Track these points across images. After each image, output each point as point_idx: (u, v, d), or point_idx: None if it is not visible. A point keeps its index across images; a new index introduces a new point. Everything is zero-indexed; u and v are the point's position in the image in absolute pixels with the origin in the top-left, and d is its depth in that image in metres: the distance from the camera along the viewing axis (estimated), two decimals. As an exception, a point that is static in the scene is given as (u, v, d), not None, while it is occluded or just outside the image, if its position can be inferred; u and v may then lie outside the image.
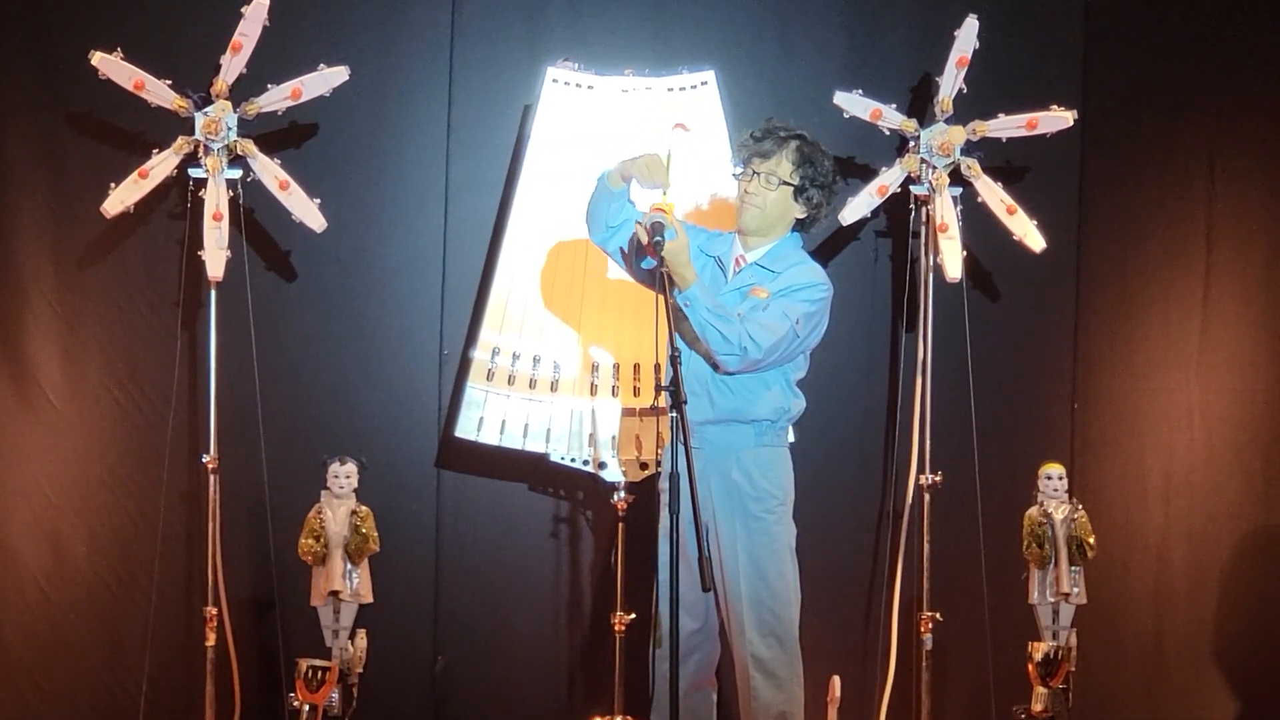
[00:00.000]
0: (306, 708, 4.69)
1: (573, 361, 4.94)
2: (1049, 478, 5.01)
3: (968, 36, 4.99)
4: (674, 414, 3.81)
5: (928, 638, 5.09)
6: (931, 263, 5.12)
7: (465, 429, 4.93)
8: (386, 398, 5.16)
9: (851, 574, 5.33)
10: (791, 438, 4.49)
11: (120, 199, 4.75)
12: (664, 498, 4.10)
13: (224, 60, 4.73)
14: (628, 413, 4.90)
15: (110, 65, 4.66)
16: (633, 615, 4.87)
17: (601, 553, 5.20)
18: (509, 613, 5.23)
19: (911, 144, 5.10)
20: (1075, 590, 4.97)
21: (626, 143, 4.67)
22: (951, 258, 5.05)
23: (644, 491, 4.88)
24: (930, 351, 5.14)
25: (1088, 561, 4.99)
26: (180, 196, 4.86)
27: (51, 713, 5.00)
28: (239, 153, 4.80)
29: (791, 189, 4.34)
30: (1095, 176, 5.44)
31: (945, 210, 5.06)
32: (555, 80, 4.99)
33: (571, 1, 5.21)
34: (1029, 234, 5.12)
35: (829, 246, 5.21)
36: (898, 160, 5.12)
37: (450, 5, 5.14)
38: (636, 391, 4.89)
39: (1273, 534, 5.45)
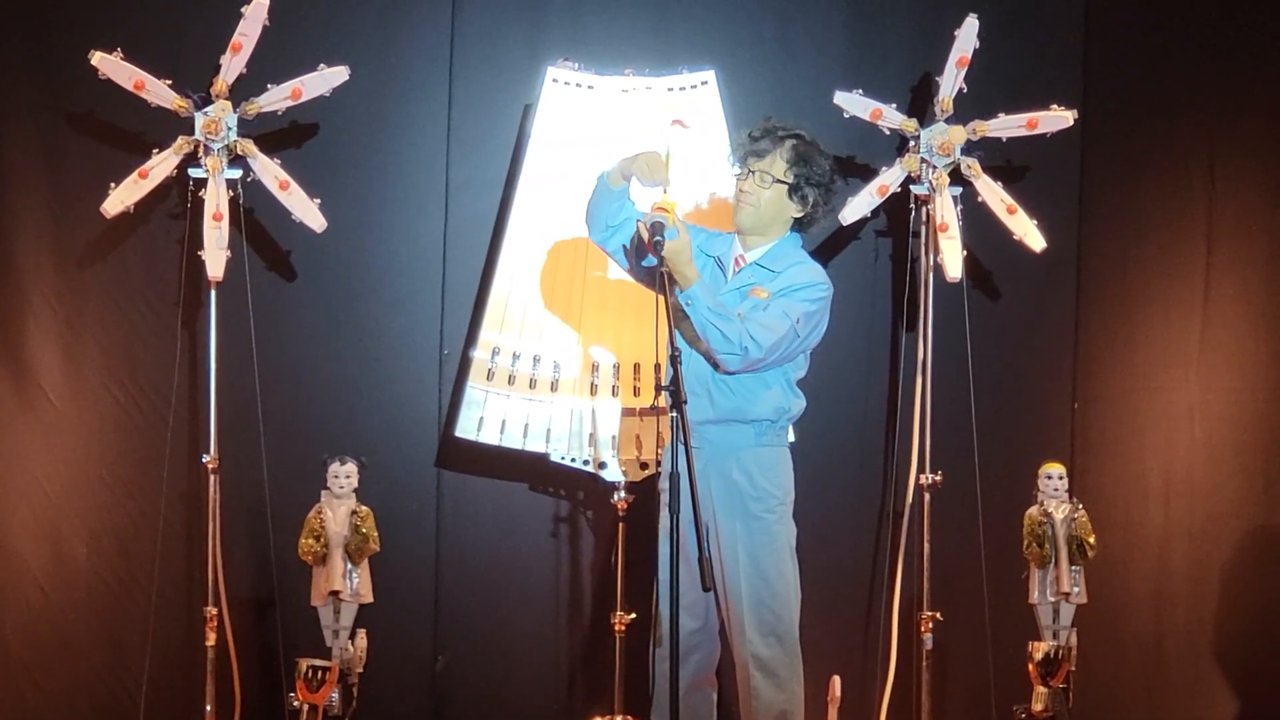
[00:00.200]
0: (306, 707, 4.69)
1: (573, 361, 4.94)
2: (1049, 477, 5.01)
3: (968, 36, 4.99)
4: (674, 414, 3.81)
5: (928, 637, 5.09)
6: (932, 262, 5.12)
7: (465, 429, 4.93)
8: (387, 397, 5.16)
9: (852, 574, 5.33)
10: (792, 437, 4.49)
11: (120, 199, 4.74)
12: (664, 497, 4.10)
13: (224, 60, 4.72)
14: (628, 412, 4.90)
15: (110, 65, 4.66)
16: (633, 615, 4.86)
17: (602, 552, 5.20)
18: (509, 612, 5.23)
19: (912, 143, 5.10)
20: (1075, 590, 4.96)
21: (627, 142, 4.66)
22: (952, 257, 5.04)
23: (644, 491, 4.88)
24: (930, 351, 5.14)
25: (1088, 561, 4.99)
26: (180, 196, 4.86)
27: (52, 712, 5.00)
28: (239, 153, 4.80)
29: (786, 187, 4.33)
30: (1095, 176, 5.44)
31: (945, 210, 5.06)
32: (555, 80, 4.99)
33: (571, 1, 5.21)
34: (1029, 233, 5.12)
35: (829, 246, 5.21)
36: (898, 160, 5.12)
37: (450, 5, 5.14)
38: (637, 391, 4.89)
39: (1273, 533, 5.45)
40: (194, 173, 4.79)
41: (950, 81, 5.03)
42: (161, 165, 4.77)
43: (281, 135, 4.98)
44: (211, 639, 4.82)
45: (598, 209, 4.41)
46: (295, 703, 4.70)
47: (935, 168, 5.09)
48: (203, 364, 4.86)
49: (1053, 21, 5.40)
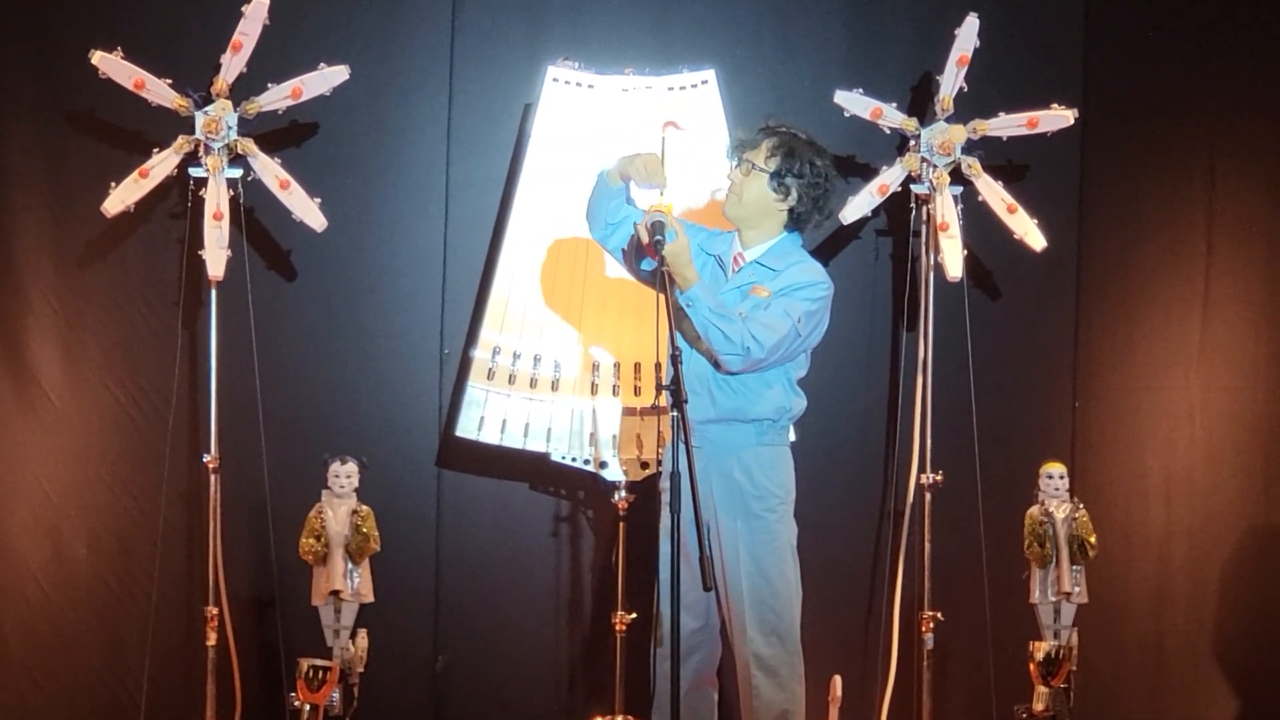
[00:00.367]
0: (307, 707, 4.68)
1: (573, 361, 4.94)
2: (1050, 477, 5.01)
3: (968, 35, 4.99)
4: (675, 413, 3.81)
5: (929, 637, 5.09)
6: (932, 261, 5.12)
7: (466, 428, 4.93)
8: (387, 397, 5.15)
9: (852, 573, 5.33)
10: (793, 437, 4.49)
11: (120, 198, 4.74)
12: (665, 497, 4.09)
13: (224, 59, 4.72)
14: (628, 412, 4.90)
15: (110, 64, 4.66)
16: (633, 615, 4.86)
17: (602, 552, 5.20)
18: (510, 612, 5.23)
19: (912, 143, 5.10)
20: (1076, 589, 4.96)
21: (627, 142, 4.67)
22: (952, 256, 5.04)
23: (645, 491, 4.88)
24: (931, 350, 5.14)
25: (1089, 560, 4.99)
26: (181, 196, 4.86)
27: (52, 712, 5.00)
28: (239, 152, 4.80)
29: (766, 175, 4.33)
30: (1096, 175, 5.44)
31: (946, 209, 5.06)
32: (556, 79, 4.99)
33: (572, 0, 5.21)
34: (1029, 233, 5.13)
35: (830, 245, 5.21)
36: (898, 159, 5.12)
37: (451, 4, 5.14)
38: (637, 391, 4.89)
39: (1273, 533, 5.45)
40: (194, 172, 4.79)
41: (951, 80, 5.03)
42: (162, 164, 4.76)
43: (282, 134, 4.98)
44: (212, 639, 4.82)
45: (597, 207, 4.41)
46: (296, 702, 4.70)
47: (936, 167, 5.09)
48: (203, 363, 4.86)
49: (1053, 20, 5.40)
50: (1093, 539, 4.97)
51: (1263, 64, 5.46)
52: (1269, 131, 5.46)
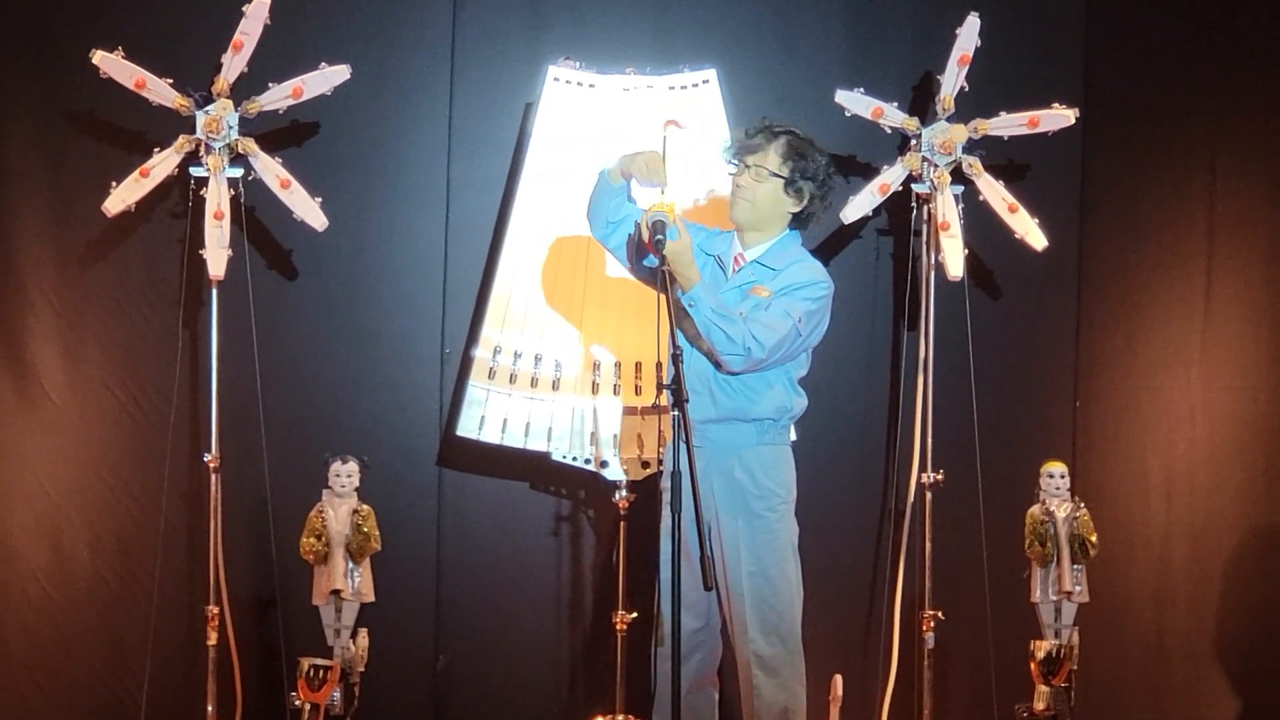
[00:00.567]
0: (308, 707, 4.69)
1: (574, 360, 4.94)
2: (1051, 476, 5.01)
3: (969, 34, 4.99)
4: (676, 412, 3.81)
5: (930, 636, 5.09)
6: (933, 261, 5.12)
7: (467, 428, 4.93)
8: (388, 396, 5.15)
9: (853, 572, 5.33)
10: (794, 436, 4.49)
11: (121, 198, 4.74)
12: (666, 496, 4.09)
13: (225, 59, 4.72)
14: (629, 411, 4.90)
15: (111, 64, 4.66)
16: (634, 614, 4.87)
17: (603, 552, 5.20)
18: (510, 611, 5.23)
19: (913, 142, 5.10)
20: (1077, 588, 4.96)
21: (628, 141, 4.66)
22: (953, 256, 5.04)
23: (645, 490, 4.88)
24: (932, 350, 5.14)
25: (1090, 560, 4.99)
26: (181, 195, 4.86)
27: (53, 712, 5.00)
28: (240, 151, 4.80)
29: (782, 181, 4.33)
30: (1097, 175, 5.44)
31: (947, 208, 5.06)
32: (557, 79, 4.99)
33: (573, 0, 5.21)
34: (1030, 232, 5.12)
35: (831, 245, 5.21)
36: (899, 158, 5.11)
37: (452, 4, 5.14)
38: (638, 390, 4.89)
39: (1274, 532, 5.45)
40: (195, 171, 4.79)
41: (952, 80, 5.03)
42: (163, 164, 4.76)
43: (283, 134, 4.97)
44: (213, 638, 4.82)
45: (598, 205, 4.41)
46: (297, 702, 4.70)
47: (937, 166, 5.09)
48: (204, 363, 4.86)
49: (1054, 20, 5.40)
50: (1094, 538, 4.97)
51: (1264, 64, 5.46)
52: (1270, 131, 5.46)
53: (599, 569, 5.22)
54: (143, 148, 4.85)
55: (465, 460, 5.13)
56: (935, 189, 5.08)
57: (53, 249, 4.98)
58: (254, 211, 4.96)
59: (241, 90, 4.78)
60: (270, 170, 4.81)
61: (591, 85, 5.01)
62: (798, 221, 4.42)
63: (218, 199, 4.76)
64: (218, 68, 4.75)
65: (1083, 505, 5.01)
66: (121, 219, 4.84)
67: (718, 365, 4.26)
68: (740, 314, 4.22)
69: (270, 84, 4.79)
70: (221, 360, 4.82)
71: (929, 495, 5.11)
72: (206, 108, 4.77)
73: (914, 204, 5.14)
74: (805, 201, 4.37)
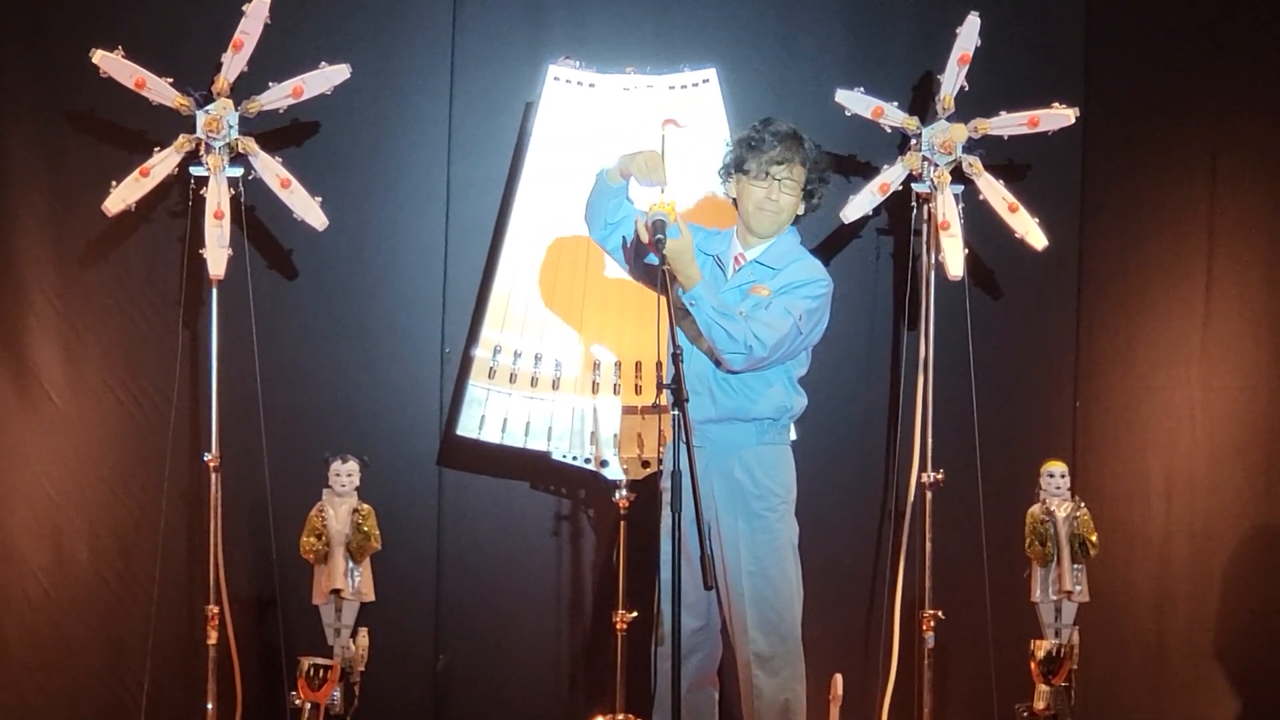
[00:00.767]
0: (308, 706, 4.68)
1: (574, 359, 4.94)
2: (1051, 475, 5.01)
3: (969, 34, 4.99)
4: (676, 412, 3.81)
5: (930, 636, 5.09)
6: (933, 260, 5.12)
7: (467, 427, 4.93)
8: (388, 396, 5.15)
9: (853, 572, 5.33)
10: (794, 435, 4.49)
11: (121, 197, 4.74)
12: (666, 496, 4.09)
13: (225, 58, 4.72)
14: (628, 410, 4.90)
15: (111, 63, 4.66)
16: (634, 614, 4.86)
17: (603, 551, 5.20)
18: (511, 611, 5.23)
19: (913, 141, 5.10)
20: (1077, 588, 4.96)
21: (628, 141, 4.66)
22: (953, 255, 5.04)
23: (646, 490, 4.88)
24: (932, 349, 5.13)
25: (1090, 559, 4.98)
26: (181, 194, 4.86)
27: (53, 711, 5.00)
28: (240, 151, 4.80)
29: (805, 192, 4.35)
30: (1097, 174, 5.44)
31: (947, 208, 5.06)
32: (557, 78, 4.99)
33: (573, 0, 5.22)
34: (1031, 232, 5.12)
35: (831, 244, 5.21)
36: (899, 158, 5.11)
37: (452, 3, 5.15)
38: (638, 389, 4.89)
39: (1274, 532, 5.45)
40: (195, 171, 4.79)
41: (952, 79, 5.03)
42: (163, 163, 4.76)
43: (283, 133, 4.97)
44: (213, 637, 4.82)
45: (597, 206, 4.41)
46: (297, 701, 4.70)
47: (937, 166, 5.09)
48: (204, 362, 4.86)
49: (1054, 19, 5.40)
50: (1094, 538, 4.97)
51: (1264, 63, 5.46)
52: (1270, 131, 5.46)
53: (599, 568, 5.22)
54: (143, 147, 4.85)
55: (465, 460, 5.13)
56: (935, 188, 5.08)
57: (53, 248, 4.98)
58: (254, 211, 4.96)
59: (241, 90, 4.78)
60: (270, 170, 4.81)
61: (592, 85, 5.01)
62: (794, 219, 4.43)
63: (218, 198, 4.76)
64: (218, 67, 4.74)
65: (1083, 505, 5.01)
66: (121, 218, 4.84)
67: (719, 364, 4.26)
68: (741, 313, 4.22)
69: (270, 83, 4.79)
70: (221, 360, 4.82)
71: (929, 495, 5.11)
72: (206, 107, 4.77)
73: (914, 203, 5.14)
74: (811, 207, 4.40)
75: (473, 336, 5.03)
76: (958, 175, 5.11)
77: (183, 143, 4.76)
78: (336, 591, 4.75)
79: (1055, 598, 4.98)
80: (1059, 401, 5.46)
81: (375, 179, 5.14)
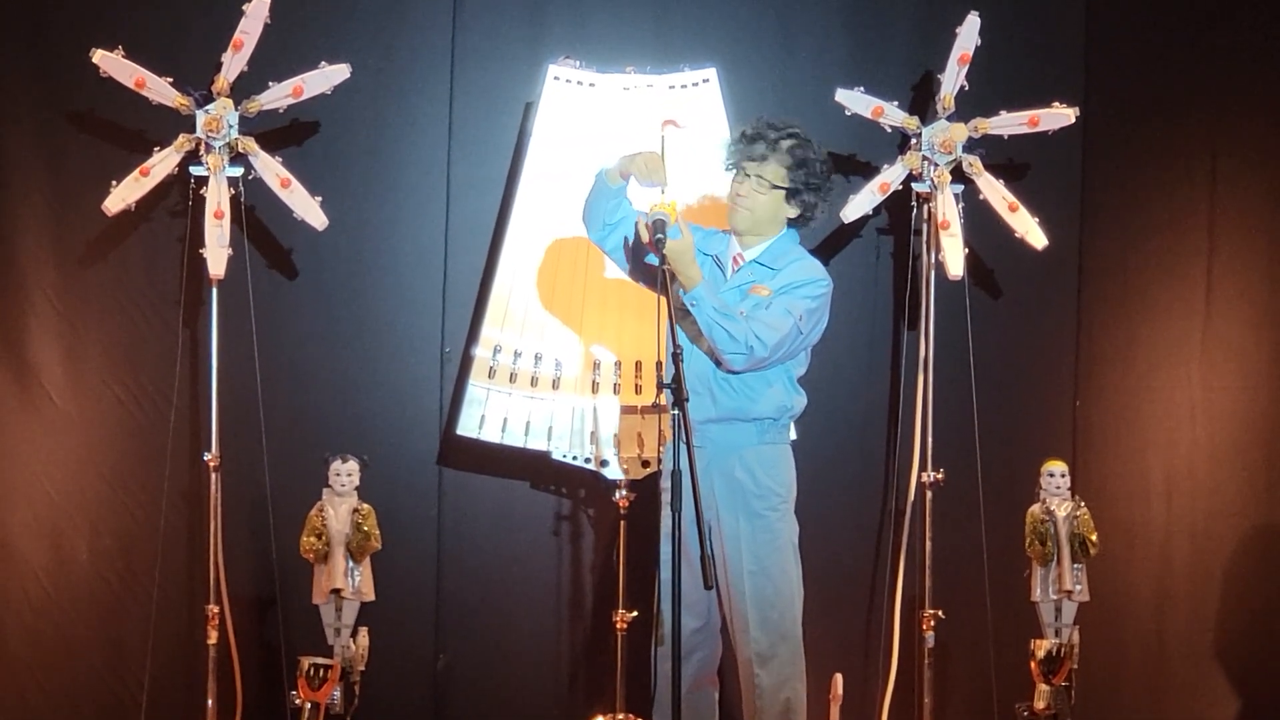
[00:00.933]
0: (308, 706, 4.68)
1: (574, 359, 4.94)
2: (1051, 475, 5.01)
3: (969, 33, 4.99)
4: (676, 411, 3.80)
5: (930, 635, 5.09)
6: (933, 260, 5.12)
7: (467, 427, 4.93)
8: (388, 395, 5.15)
9: (853, 572, 5.33)
10: (794, 435, 4.49)
11: (121, 197, 4.74)
12: (666, 496, 4.10)
13: (225, 58, 4.72)
14: (627, 410, 4.89)
15: (111, 63, 4.66)
16: (634, 613, 4.86)
17: (603, 551, 5.20)
18: (511, 611, 5.23)
19: (913, 141, 5.10)
20: (1078, 588, 4.96)
21: (628, 140, 4.66)
22: (953, 255, 5.04)
23: (646, 489, 4.87)
24: (932, 349, 5.14)
25: (1090, 559, 4.98)
26: (181, 194, 4.86)
27: (53, 711, 5.00)
28: (240, 150, 4.80)
29: (783, 192, 4.33)
30: (1097, 174, 5.44)
31: (947, 207, 5.06)
32: (557, 78, 4.99)
33: (573, -1, 5.23)
34: (1031, 231, 5.12)
35: (831, 244, 5.21)
36: (899, 157, 5.12)
37: (452, 3, 5.14)
38: (638, 389, 4.89)
39: (1275, 532, 5.44)
40: (195, 170, 4.79)
41: (952, 79, 5.03)
42: (163, 163, 4.76)
43: (283, 133, 4.97)
44: (213, 637, 4.82)
45: (596, 206, 4.41)
46: (297, 701, 4.70)
47: (937, 165, 5.09)
48: (204, 362, 4.85)
49: (1054, 19, 5.40)
50: (1094, 537, 4.97)
51: (1264, 63, 5.45)
52: (1271, 130, 5.46)
53: (599, 568, 5.22)
54: (143, 147, 4.85)
55: (465, 459, 5.13)
56: (935, 188, 5.08)
57: (53, 248, 4.98)
58: (254, 211, 4.96)
59: (241, 89, 4.78)
60: (270, 169, 4.81)
61: (592, 84, 5.01)
62: (796, 221, 4.42)
63: (218, 198, 4.76)
64: (218, 67, 4.74)
65: (1083, 504, 5.01)
66: (121, 218, 4.84)
67: (719, 364, 4.26)
68: (741, 313, 4.22)
69: (270, 83, 4.79)
70: (221, 359, 4.82)
71: (929, 494, 5.11)
72: (206, 107, 4.76)
73: (914, 203, 5.14)
74: (806, 209, 4.38)
75: (473, 336, 5.03)
76: (958, 175, 5.11)
77: (183, 142, 4.76)
78: (337, 591, 4.75)
79: (1055, 597, 4.98)
80: (1059, 401, 5.46)
81: (375, 179, 5.14)
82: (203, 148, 4.78)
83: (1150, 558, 5.49)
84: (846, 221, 5.10)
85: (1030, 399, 5.44)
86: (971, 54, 5.00)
